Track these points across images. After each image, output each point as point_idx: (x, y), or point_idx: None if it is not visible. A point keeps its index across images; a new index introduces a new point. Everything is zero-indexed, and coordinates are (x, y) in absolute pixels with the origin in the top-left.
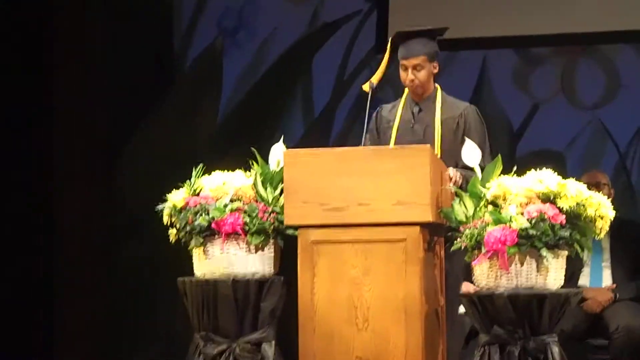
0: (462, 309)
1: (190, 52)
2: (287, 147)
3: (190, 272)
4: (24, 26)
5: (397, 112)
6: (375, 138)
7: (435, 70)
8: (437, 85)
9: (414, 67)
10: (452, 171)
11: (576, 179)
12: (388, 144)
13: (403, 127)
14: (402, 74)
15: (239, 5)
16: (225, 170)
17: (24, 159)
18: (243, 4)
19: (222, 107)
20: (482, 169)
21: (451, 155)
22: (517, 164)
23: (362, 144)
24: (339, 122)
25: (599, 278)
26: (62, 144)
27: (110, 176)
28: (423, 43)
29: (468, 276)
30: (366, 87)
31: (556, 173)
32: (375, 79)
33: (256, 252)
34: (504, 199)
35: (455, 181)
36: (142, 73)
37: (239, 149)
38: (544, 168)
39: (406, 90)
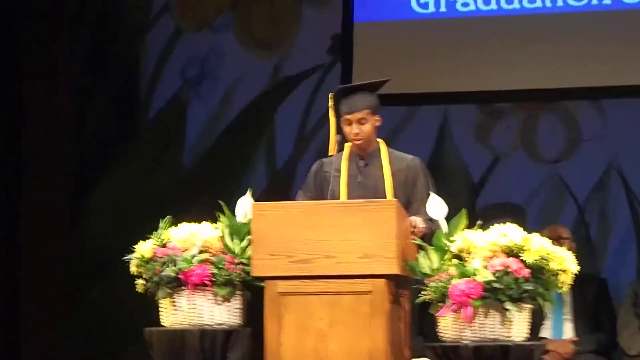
0: None
1: (155, 101)
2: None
3: (155, 321)
4: None
5: (342, 166)
6: (312, 193)
7: (378, 124)
8: (379, 139)
9: (359, 121)
10: (414, 219)
11: (538, 233)
12: (333, 198)
13: (350, 181)
14: (346, 128)
15: (202, 55)
16: (190, 220)
17: None
18: (206, 54)
19: (185, 158)
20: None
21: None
22: (477, 216)
23: (298, 197)
24: (301, 175)
25: (560, 331)
26: (28, 192)
27: (75, 224)
28: (365, 97)
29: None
30: (331, 151)
31: (517, 226)
32: (333, 133)
33: (223, 303)
34: (469, 253)
35: (418, 230)
36: (107, 122)
37: (203, 198)
38: (504, 221)
39: (347, 145)
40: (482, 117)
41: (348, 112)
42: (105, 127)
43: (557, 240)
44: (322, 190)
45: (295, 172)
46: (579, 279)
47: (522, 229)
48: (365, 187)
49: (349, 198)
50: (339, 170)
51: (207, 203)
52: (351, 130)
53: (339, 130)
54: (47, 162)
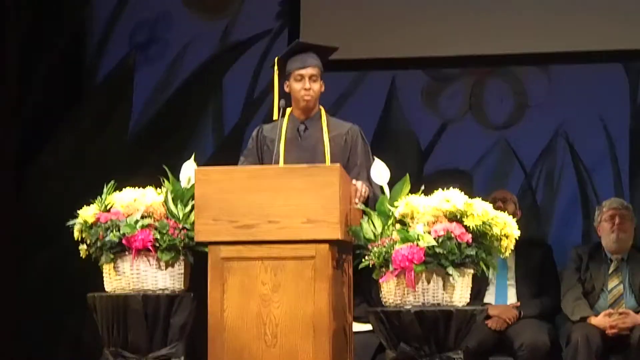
0: (364, 327)
1: (102, 66)
2: (198, 165)
3: (100, 287)
4: None
5: (283, 129)
6: (253, 157)
7: (322, 89)
8: (320, 105)
9: (310, 77)
10: (358, 184)
11: (483, 198)
12: (271, 161)
13: (290, 144)
14: (295, 85)
15: (151, 20)
16: (136, 186)
17: None
18: (155, 19)
19: (133, 123)
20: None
21: None
22: (424, 182)
23: (240, 163)
24: (248, 140)
25: (504, 296)
26: None
27: (20, 190)
28: (316, 57)
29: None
30: (275, 115)
31: (463, 192)
32: (277, 98)
33: (166, 268)
34: (412, 218)
35: (361, 195)
36: (52, 87)
37: (149, 164)
38: (452, 187)
39: (288, 110)
40: (430, 82)
41: (301, 66)
42: (50, 91)
43: (502, 200)
44: (262, 155)
45: (242, 138)
46: (523, 244)
47: (469, 194)
48: (304, 148)
49: (287, 159)
50: (278, 134)
51: (153, 169)
52: (303, 85)
53: (282, 95)
54: None
